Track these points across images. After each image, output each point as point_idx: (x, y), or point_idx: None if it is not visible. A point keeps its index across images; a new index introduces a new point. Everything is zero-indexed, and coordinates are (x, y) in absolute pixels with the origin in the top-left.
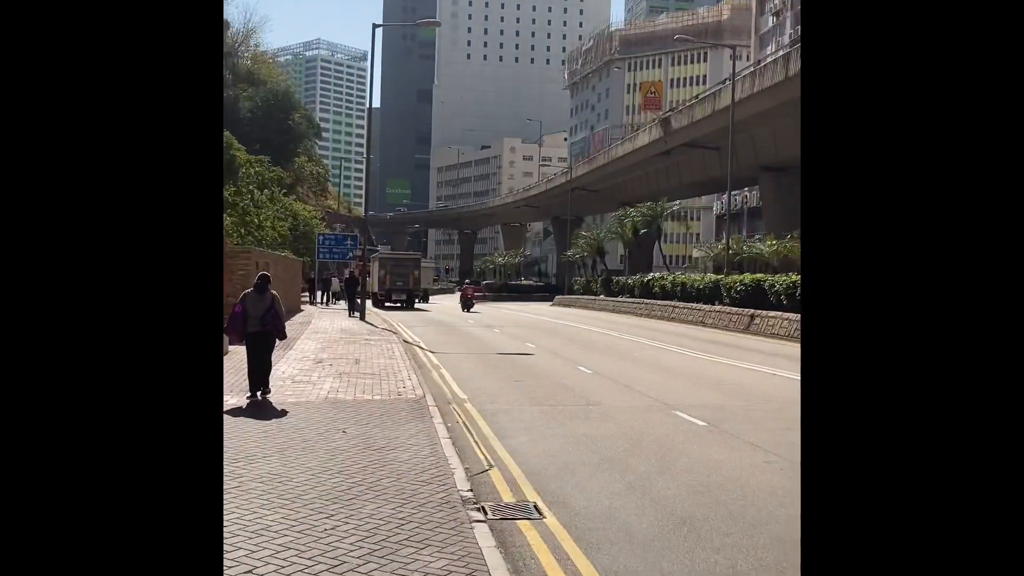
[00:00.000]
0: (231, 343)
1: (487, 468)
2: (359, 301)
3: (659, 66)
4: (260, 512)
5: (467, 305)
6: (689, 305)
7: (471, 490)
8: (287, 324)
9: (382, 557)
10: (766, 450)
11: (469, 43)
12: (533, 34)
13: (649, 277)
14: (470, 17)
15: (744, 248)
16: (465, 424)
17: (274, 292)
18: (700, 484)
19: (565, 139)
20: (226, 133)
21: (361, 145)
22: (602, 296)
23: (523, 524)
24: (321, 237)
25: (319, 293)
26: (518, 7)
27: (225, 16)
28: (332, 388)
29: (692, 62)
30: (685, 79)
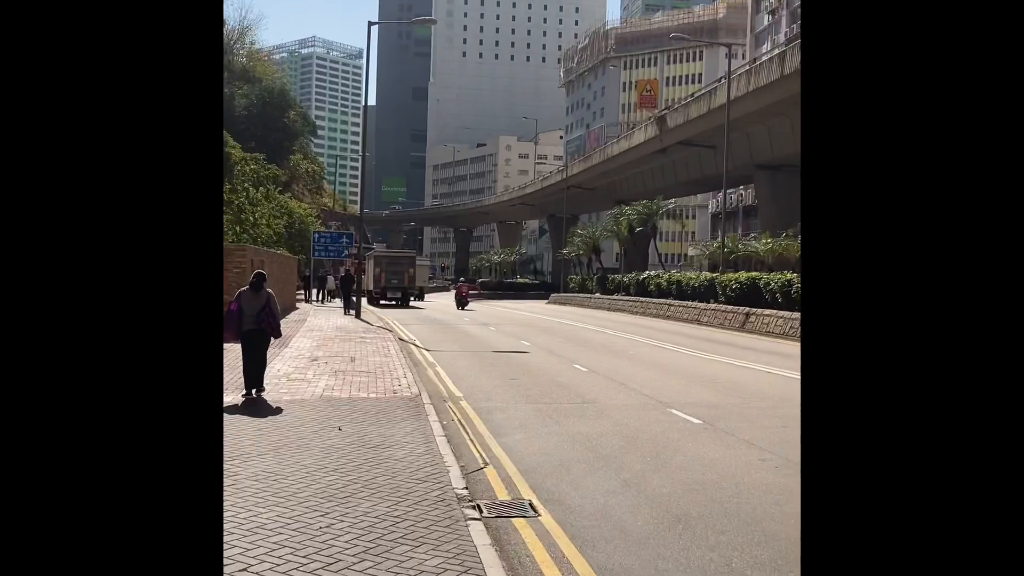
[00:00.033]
0: (226, 341)
1: (482, 466)
2: (355, 299)
3: (655, 64)
4: (255, 510)
5: (462, 303)
6: (684, 303)
7: (466, 488)
8: (282, 322)
9: (377, 555)
10: (761, 448)
11: (465, 41)
12: (529, 32)
13: (645, 275)
14: (466, 15)
15: (739, 246)
16: (460, 422)
17: (269, 291)
18: (695, 482)
19: (561, 137)
20: None
21: (356, 143)
22: (598, 294)
23: (518, 522)
24: (317, 235)
25: (314, 291)
26: (514, 5)
27: None
28: (327, 386)
29: (688, 60)
30: (681, 77)
